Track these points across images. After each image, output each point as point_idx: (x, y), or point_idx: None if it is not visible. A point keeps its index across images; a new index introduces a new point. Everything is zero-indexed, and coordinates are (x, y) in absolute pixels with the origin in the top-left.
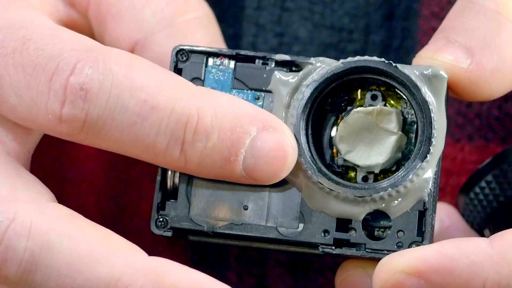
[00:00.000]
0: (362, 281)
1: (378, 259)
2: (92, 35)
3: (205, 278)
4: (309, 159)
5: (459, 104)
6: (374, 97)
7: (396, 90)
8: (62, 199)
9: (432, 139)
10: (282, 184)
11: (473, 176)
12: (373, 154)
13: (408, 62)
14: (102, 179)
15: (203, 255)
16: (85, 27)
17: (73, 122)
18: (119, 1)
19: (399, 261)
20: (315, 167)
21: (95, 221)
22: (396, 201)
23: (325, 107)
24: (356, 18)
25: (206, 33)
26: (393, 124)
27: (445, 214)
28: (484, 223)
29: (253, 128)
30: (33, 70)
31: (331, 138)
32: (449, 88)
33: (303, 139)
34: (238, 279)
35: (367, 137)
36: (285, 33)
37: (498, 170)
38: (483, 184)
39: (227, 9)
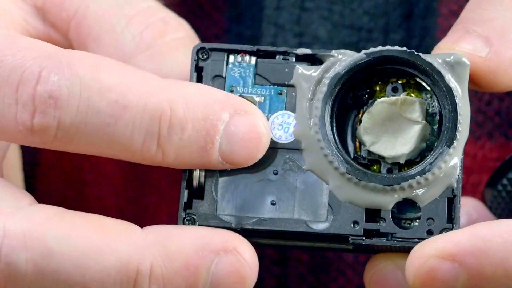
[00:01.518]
0: (393, 274)
1: (409, 249)
2: None
3: (205, 231)
4: (336, 151)
5: (479, 101)
6: (395, 90)
7: (416, 81)
8: (82, 201)
9: (459, 125)
10: (308, 177)
11: (500, 168)
12: (398, 145)
13: None
14: (121, 180)
15: None
16: (65, 47)
17: (46, 131)
18: (99, 24)
19: (432, 246)
20: (342, 158)
21: (115, 215)
22: (424, 189)
23: (347, 101)
24: (375, 17)
25: (188, 53)
26: (417, 114)
27: (472, 207)
28: None
29: (225, 113)
30: None
31: (354, 132)
32: (469, 79)
33: (328, 131)
34: (259, 279)
35: (392, 128)
36: (305, 33)
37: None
38: (510, 175)
39: (246, 9)
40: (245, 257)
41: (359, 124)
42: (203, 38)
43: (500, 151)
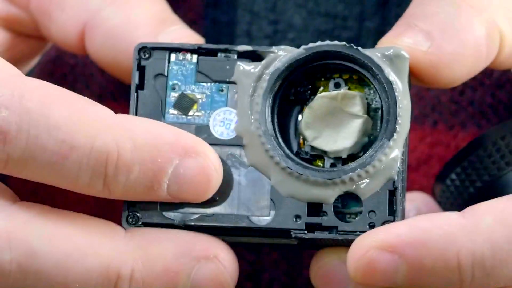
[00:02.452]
0: (338, 268)
1: (351, 242)
2: (36, 29)
3: (187, 237)
4: (277, 146)
5: (452, 91)
6: (337, 85)
7: (359, 76)
8: (61, 193)
9: (398, 118)
10: (251, 173)
11: (449, 163)
12: (339, 139)
13: None
14: None
15: None
16: (27, 22)
17: None
18: None
19: (372, 238)
20: (283, 153)
21: (94, 214)
22: (365, 182)
23: (289, 97)
24: (350, 5)
25: (155, 2)
26: (357, 108)
27: (421, 202)
28: (461, 209)
29: (174, 156)
30: None
31: (296, 127)
32: (411, 73)
33: (269, 126)
34: None
35: (333, 122)
36: (280, 21)
37: (474, 155)
38: (458, 170)
39: None
40: (225, 264)
41: (301, 120)
42: None
43: None
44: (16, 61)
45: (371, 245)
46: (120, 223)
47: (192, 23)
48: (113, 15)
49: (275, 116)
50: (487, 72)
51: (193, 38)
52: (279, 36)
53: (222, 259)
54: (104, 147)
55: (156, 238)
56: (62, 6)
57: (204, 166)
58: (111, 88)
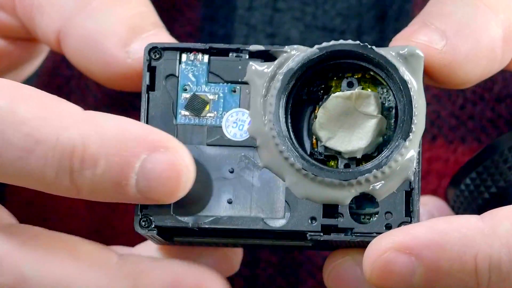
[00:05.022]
0: (352, 270)
1: (367, 244)
2: (27, 32)
3: (179, 268)
4: (291, 147)
5: (452, 105)
6: (350, 84)
7: (372, 75)
8: (53, 199)
9: (414, 118)
10: (265, 174)
11: (463, 168)
12: (354, 139)
13: None
14: None
15: None
16: (17, 26)
17: None
18: None
19: (389, 240)
20: (297, 154)
21: (86, 222)
22: (381, 183)
23: (302, 97)
24: (348, 19)
25: (128, 7)
26: (372, 107)
27: (434, 207)
28: (475, 214)
29: (142, 150)
30: None
31: (310, 128)
32: (425, 72)
33: (283, 127)
34: (228, 281)
35: (347, 122)
36: (277, 34)
37: (489, 161)
38: (473, 175)
39: (219, 9)
40: None
41: (315, 120)
42: (176, 36)
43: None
44: (14, 66)
45: (388, 246)
46: (112, 234)
47: (189, 36)
48: (84, 23)
49: (289, 117)
50: (487, 86)
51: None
52: None
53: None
54: (69, 141)
55: (147, 267)
56: (42, 11)
57: (173, 161)
58: (106, 101)
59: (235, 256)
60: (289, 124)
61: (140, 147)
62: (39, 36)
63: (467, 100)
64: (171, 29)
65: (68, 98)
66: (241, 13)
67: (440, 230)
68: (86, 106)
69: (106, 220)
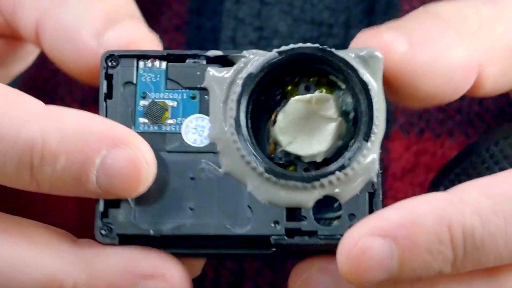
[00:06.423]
0: (321, 280)
1: (333, 248)
2: (9, 28)
3: (135, 253)
4: (253, 151)
5: None
6: (307, 88)
7: (328, 79)
8: (42, 200)
9: (375, 119)
10: (226, 180)
11: (442, 170)
12: (314, 143)
13: None
14: None
15: None
16: (1, 24)
17: None
18: None
19: (362, 227)
20: (259, 158)
21: (73, 214)
22: (345, 185)
23: (261, 102)
24: (336, 12)
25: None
26: (332, 110)
27: None
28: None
29: (102, 146)
30: None
31: (268, 133)
32: (384, 79)
33: (244, 131)
34: (215, 275)
35: (307, 127)
36: (265, 27)
37: (467, 162)
38: (452, 177)
39: (206, 2)
40: (173, 283)
41: (272, 125)
42: (163, 29)
43: (460, 149)
44: (2, 64)
45: (362, 233)
46: None
47: (177, 29)
48: (61, 15)
49: (249, 121)
50: None
51: (147, 36)
52: (264, 42)
53: (169, 277)
54: (29, 137)
55: (103, 252)
56: (20, 4)
57: (133, 157)
58: (94, 94)
59: (198, 260)
60: (250, 129)
61: (101, 143)
62: (21, 32)
63: None
64: (158, 22)
65: (55, 91)
66: (229, 6)
67: (410, 208)
68: (73, 99)
69: (93, 212)
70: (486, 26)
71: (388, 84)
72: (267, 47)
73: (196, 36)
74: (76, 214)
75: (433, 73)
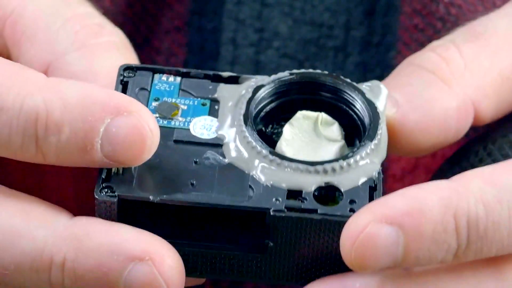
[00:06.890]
0: None
1: (332, 223)
2: (8, 55)
3: (127, 234)
4: (259, 138)
5: None
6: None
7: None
8: (41, 190)
9: (379, 126)
10: (230, 167)
11: (440, 170)
12: (318, 158)
13: (388, 58)
14: (80, 171)
15: None
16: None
17: None
18: (35, 23)
19: (368, 213)
20: (264, 144)
21: (74, 214)
22: (346, 174)
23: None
24: (336, 14)
25: (119, 57)
26: (336, 133)
27: None
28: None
29: (106, 114)
30: None
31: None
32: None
33: (252, 125)
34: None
35: (312, 142)
36: (265, 29)
37: (465, 161)
38: (450, 176)
39: (207, 3)
40: (162, 269)
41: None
42: (164, 30)
43: None
44: None
45: (369, 219)
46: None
47: (178, 31)
48: (76, 61)
49: (255, 126)
50: None
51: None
52: (264, 44)
53: (158, 262)
54: (33, 108)
55: (95, 230)
56: (32, 41)
57: (137, 124)
58: None
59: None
60: (255, 126)
61: (104, 111)
62: (20, 61)
63: None
64: (159, 23)
65: None
66: (229, 8)
67: (416, 196)
68: None
69: (90, 194)
70: (471, 64)
71: (390, 141)
72: (267, 49)
73: (197, 37)
74: (73, 194)
75: (428, 126)
